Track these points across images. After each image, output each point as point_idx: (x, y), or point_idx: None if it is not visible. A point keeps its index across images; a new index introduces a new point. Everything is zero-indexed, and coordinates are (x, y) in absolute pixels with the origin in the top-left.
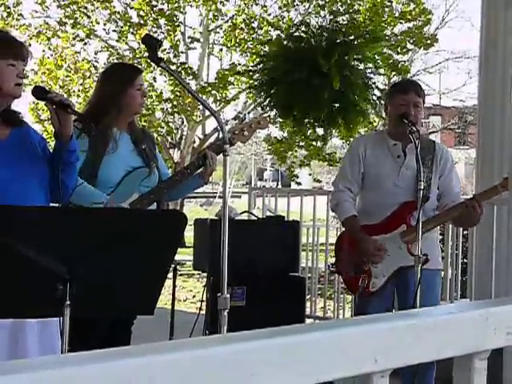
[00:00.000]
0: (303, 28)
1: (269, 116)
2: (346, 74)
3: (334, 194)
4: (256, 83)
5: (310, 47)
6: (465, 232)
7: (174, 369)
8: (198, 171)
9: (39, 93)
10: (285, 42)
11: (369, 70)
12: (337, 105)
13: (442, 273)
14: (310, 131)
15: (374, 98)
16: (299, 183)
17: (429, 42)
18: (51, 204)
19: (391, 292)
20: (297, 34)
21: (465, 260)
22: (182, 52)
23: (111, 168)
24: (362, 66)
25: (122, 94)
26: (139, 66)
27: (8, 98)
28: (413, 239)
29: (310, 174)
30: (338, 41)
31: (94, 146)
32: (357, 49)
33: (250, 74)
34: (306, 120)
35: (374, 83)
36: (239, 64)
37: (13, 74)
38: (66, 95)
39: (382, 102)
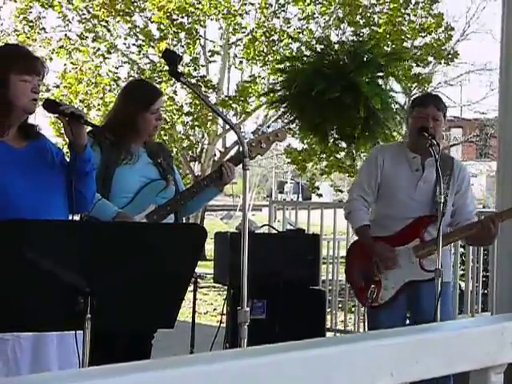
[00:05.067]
0: (326, 43)
1: (289, 128)
2: (378, 93)
3: (348, 202)
4: (282, 99)
5: (341, 64)
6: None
7: (191, 383)
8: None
9: (50, 106)
10: (310, 58)
11: (395, 88)
12: (369, 122)
13: (463, 285)
14: (335, 145)
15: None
16: (320, 195)
17: (449, 56)
18: (71, 215)
19: (403, 304)
20: (323, 49)
21: (486, 273)
22: (202, 65)
23: (125, 178)
24: (387, 83)
25: (137, 117)
26: (160, 89)
27: (23, 113)
28: (426, 254)
29: (331, 185)
30: (366, 58)
31: (108, 157)
32: (384, 67)
33: (276, 89)
34: (335, 136)
35: (396, 101)
36: (259, 76)
37: (27, 90)
38: (85, 109)
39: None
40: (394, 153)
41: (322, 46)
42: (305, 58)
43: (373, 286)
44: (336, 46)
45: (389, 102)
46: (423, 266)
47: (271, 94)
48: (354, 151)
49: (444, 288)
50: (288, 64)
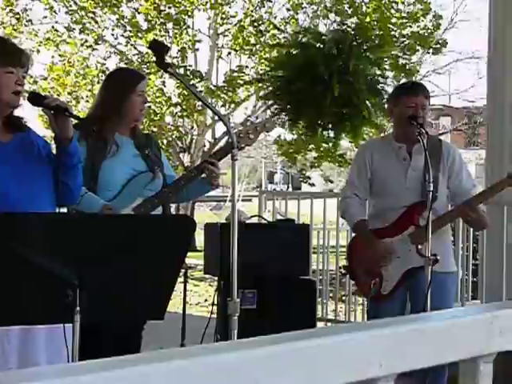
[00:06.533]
0: (309, 35)
1: (278, 119)
2: (349, 80)
3: (341, 201)
4: (265, 91)
5: (315, 54)
6: (475, 233)
7: (180, 376)
8: (205, 176)
9: (35, 99)
10: (292, 49)
11: (379, 73)
12: (344, 110)
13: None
14: (320, 134)
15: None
16: (313, 184)
17: (438, 46)
18: (57, 207)
19: (404, 294)
20: (304, 40)
21: (475, 261)
22: (187, 56)
23: (112, 171)
24: (369, 71)
25: (122, 100)
26: (142, 72)
27: (7, 107)
28: (422, 240)
29: (321, 176)
30: (343, 46)
31: (94, 150)
32: (362, 53)
33: (260, 80)
34: (316, 125)
35: (383, 87)
36: (247, 67)
37: (11, 82)
38: (74, 101)
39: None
40: (381, 146)
41: (307, 37)
42: (287, 50)
43: (375, 278)
44: (318, 37)
45: (364, 90)
46: (420, 252)
47: (258, 84)
48: (334, 139)
49: (443, 279)
50: (274, 54)
